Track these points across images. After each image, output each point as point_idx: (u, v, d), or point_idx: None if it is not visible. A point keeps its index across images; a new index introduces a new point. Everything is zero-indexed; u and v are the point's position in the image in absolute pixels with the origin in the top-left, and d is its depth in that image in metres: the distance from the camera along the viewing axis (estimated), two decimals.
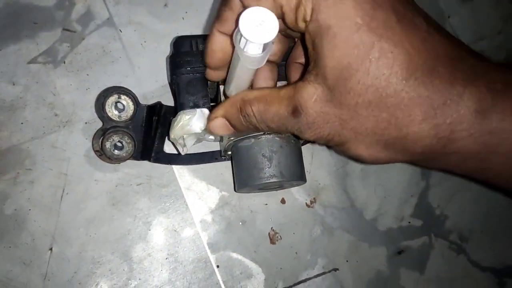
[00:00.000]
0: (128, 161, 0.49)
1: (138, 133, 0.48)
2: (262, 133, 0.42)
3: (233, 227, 0.51)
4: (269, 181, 0.42)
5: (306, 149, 0.54)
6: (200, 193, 0.51)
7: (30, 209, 0.47)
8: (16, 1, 0.52)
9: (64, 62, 0.52)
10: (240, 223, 0.52)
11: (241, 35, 0.28)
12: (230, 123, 0.36)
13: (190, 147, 0.46)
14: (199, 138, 0.46)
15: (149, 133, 0.49)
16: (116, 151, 0.45)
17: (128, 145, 0.46)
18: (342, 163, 0.56)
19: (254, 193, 0.52)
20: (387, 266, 0.55)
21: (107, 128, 0.46)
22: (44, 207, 0.47)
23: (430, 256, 0.57)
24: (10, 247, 0.45)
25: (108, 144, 0.45)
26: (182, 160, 0.51)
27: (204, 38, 0.45)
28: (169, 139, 0.46)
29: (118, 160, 0.46)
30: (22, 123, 0.49)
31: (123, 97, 0.46)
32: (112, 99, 0.46)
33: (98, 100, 0.49)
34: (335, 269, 0.53)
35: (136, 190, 0.50)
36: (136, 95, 0.47)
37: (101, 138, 0.46)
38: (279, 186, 0.48)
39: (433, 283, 0.57)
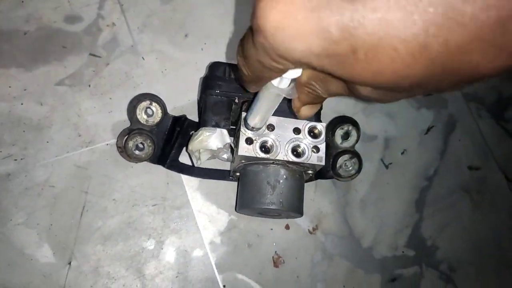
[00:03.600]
0: (145, 177, 0.53)
1: (159, 139, 0.51)
2: (271, 161, 0.46)
3: (240, 250, 0.55)
4: (268, 207, 0.46)
5: None
6: (211, 216, 0.55)
7: (51, 224, 0.50)
8: (47, 25, 0.56)
9: (89, 86, 0.55)
10: (247, 246, 0.55)
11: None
12: (308, 103, 0.33)
13: (204, 161, 0.49)
14: (213, 154, 0.49)
15: (169, 141, 0.53)
16: (136, 151, 0.49)
17: (148, 148, 0.49)
18: (343, 193, 0.60)
19: (255, 216, 0.55)
20: None
21: (133, 128, 0.49)
22: (65, 222, 0.50)
23: (421, 285, 0.61)
24: (31, 259, 0.48)
25: (131, 143, 0.48)
26: (192, 172, 0.54)
27: (237, 67, 0.49)
28: (186, 150, 0.50)
29: (137, 159, 0.49)
30: (47, 142, 0.52)
31: (154, 104, 0.50)
32: (144, 104, 0.49)
33: (132, 102, 0.52)
34: None
35: (151, 210, 0.53)
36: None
37: (126, 137, 0.49)
38: (277, 214, 0.52)
39: None
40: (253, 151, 0.45)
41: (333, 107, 0.62)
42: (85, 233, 0.50)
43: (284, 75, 0.29)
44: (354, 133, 0.53)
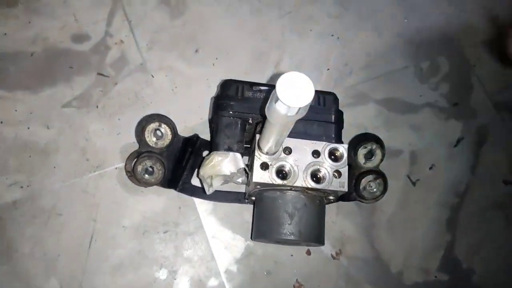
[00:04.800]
0: (156, 202, 0.50)
1: (170, 161, 0.48)
2: (289, 188, 0.42)
3: (258, 278, 0.51)
4: (287, 238, 0.42)
5: None
6: (226, 242, 0.51)
7: (59, 254, 0.47)
8: (54, 46, 0.54)
9: (97, 107, 0.53)
10: (265, 274, 0.51)
11: (276, 95, 0.29)
12: None
13: (216, 188, 0.46)
14: (226, 179, 0.46)
15: (180, 163, 0.50)
16: (146, 175, 0.46)
17: (158, 172, 0.46)
18: (368, 214, 0.56)
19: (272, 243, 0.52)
20: None
21: (142, 151, 0.47)
22: (72, 252, 0.47)
23: None
24: None
25: (139, 168, 0.45)
26: (206, 195, 0.51)
27: (250, 85, 0.46)
28: (197, 175, 0.47)
29: (146, 184, 0.46)
30: (54, 167, 0.50)
31: (163, 125, 0.47)
32: (153, 125, 0.47)
33: (140, 124, 0.50)
34: None
35: (163, 237, 0.50)
36: None
37: (135, 161, 0.46)
38: (296, 243, 0.48)
39: None
40: (269, 177, 0.41)
41: (352, 120, 0.58)
42: (94, 263, 0.47)
43: (286, 102, 0.27)
44: (378, 152, 0.49)
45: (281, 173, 0.42)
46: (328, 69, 0.61)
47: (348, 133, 0.53)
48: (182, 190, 0.50)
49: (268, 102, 0.31)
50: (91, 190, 0.49)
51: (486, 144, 0.63)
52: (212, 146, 0.45)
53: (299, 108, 0.29)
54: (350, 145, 0.51)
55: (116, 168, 0.51)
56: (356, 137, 0.52)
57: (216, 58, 0.58)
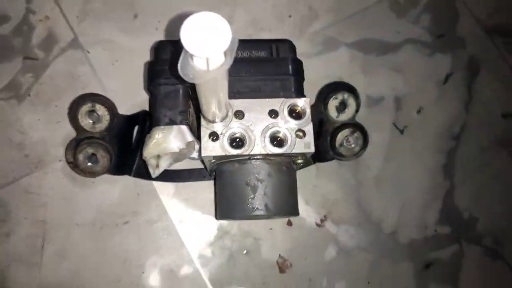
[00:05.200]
0: (110, 192, 0.45)
1: (115, 145, 0.42)
2: (247, 157, 0.36)
3: (236, 259, 0.46)
4: (251, 214, 0.36)
5: None
6: (196, 225, 0.46)
7: (9, 265, 0.42)
8: None
9: (29, 95, 0.46)
10: (244, 253, 0.46)
11: (183, 47, 0.22)
12: None
13: (165, 168, 0.40)
14: (177, 157, 0.40)
15: (128, 145, 0.44)
16: (89, 164, 0.40)
17: (103, 159, 0.40)
18: (352, 172, 0.50)
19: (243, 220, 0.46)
20: (415, 284, 0.49)
21: (81, 138, 0.41)
22: (24, 260, 0.43)
23: (463, 266, 0.50)
24: None
25: (81, 156, 0.39)
26: (165, 177, 0.44)
27: None
28: (141, 157, 0.41)
29: (93, 174, 0.40)
30: None
31: (98, 106, 0.40)
32: (86, 107, 0.40)
33: (71, 108, 0.43)
34: None
35: (123, 230, 0.45)
36: None
37: (74, 150, 0.40)
38: (266, 218, 0.43)
39: None
40: (220, 148, 0.35)
41: (323, 70, 0.51)
42: (49, 268, 0.43)
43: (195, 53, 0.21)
44: (351, 102, 0.43)
45: (235, 142, 0.36)
46: (290, 16, 0.53)
47: (318, 85, 0.47)
48: (137, 175, 0.45)
49: (180, 60, 0.24)
50: (35, 190, 0.44)
51: (479, 76, 0.56)
52: (152, 121, 0.39)
53: (224, 55, 0.23)
54: (319, 98, 0.45)
55: (60, 160, 0.45)
56: (324, 88, 0.45)
57: (159, 22, 0.51)
